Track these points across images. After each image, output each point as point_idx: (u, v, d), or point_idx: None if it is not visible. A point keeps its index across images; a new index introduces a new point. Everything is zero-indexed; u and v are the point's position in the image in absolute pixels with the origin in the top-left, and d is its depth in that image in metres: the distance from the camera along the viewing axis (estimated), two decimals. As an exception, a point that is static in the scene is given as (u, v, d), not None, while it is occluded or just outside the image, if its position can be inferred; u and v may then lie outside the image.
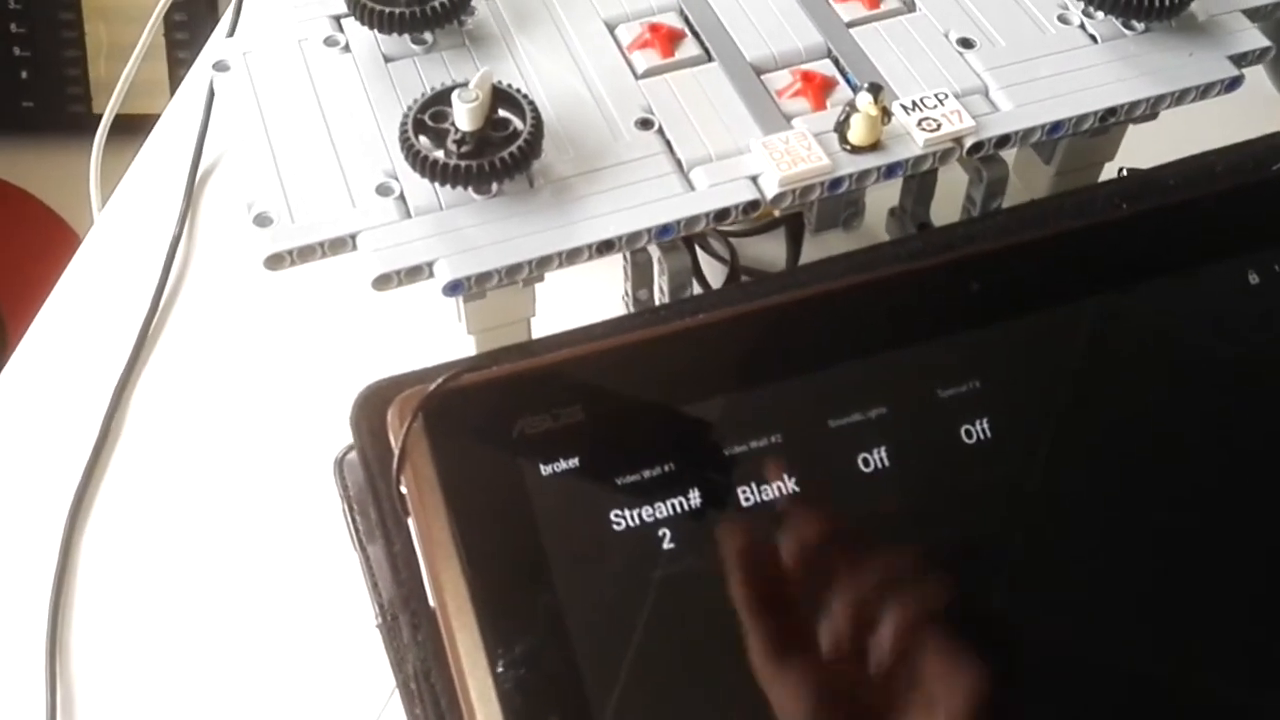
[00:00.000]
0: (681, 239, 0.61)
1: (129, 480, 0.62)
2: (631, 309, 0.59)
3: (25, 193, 1.39)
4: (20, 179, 1.40)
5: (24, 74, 1.39)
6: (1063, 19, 0.54)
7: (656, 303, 0.58)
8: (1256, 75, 0.64)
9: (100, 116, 1.37)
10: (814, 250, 0.61)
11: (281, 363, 0.65)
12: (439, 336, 0.53)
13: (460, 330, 0.52)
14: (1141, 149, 0.56)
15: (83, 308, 0.68)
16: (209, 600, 0.58)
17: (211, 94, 0.75)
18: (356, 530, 0.53)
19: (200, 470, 0.62)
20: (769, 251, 0.65)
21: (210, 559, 0.59)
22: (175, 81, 1.33)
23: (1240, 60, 0.52)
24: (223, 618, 0.58)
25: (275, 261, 0.47)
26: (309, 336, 0.66)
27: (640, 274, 0.58)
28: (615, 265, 0.58)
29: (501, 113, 0.48)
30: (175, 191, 0.71)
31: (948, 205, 0.60)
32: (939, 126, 0.49)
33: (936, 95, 0.50)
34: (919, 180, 0.60)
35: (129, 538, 0.60)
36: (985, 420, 0.45)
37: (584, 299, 0.56)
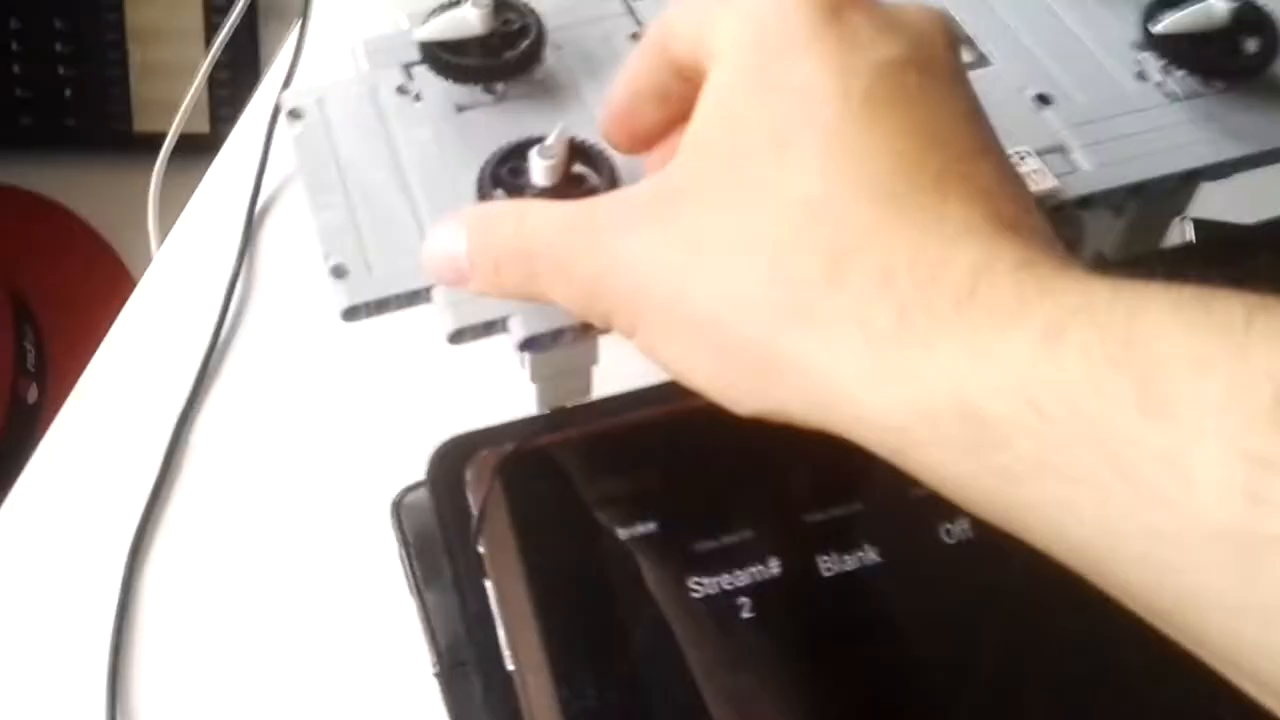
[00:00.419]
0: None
1: (189, 519, 0.62)
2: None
3: (66, 210, 1.40)
4: (62, 195, 1.41)
5: (68, 93, 1.39)
6: (1141, 76, 0.53)
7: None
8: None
9: (142, 135, 1.38)
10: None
11: (338, 401, 0.65)
12: (498, 375, 0.53)
13: (518, 368, 0.52)
14: (1208, 199, 0.55)
15: (142, 345, 0.68)
16: (267, 637, 0.58)
17: (270, 132, 0.74)
18: (414, 575, 0.53)
19: (258, 510, 0.62)
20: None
21: (268, 599, 0.59)
22: (214, 101, 1.33)
23: (1321, 123, 0.52)
24: (280, 656, 0.58)
25: (352, 314, 0.47)
26: (366, 375, 0.66)
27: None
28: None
29: (578, 168, 0.48)
30: (233, 229, 0.71)
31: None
32: (1020, 186, 0.48)
33: (1017, 153, 0.49)
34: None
35: (189, 576, 0.60)
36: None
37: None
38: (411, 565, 0.53)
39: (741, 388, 0.36)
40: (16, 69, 1.39)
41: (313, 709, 0.57)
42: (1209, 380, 0.28)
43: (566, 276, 0.39)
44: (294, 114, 0.52)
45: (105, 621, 0.58)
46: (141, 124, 1.41)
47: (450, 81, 0.53)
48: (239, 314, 0.68)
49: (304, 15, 0.79)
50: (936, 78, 0.37)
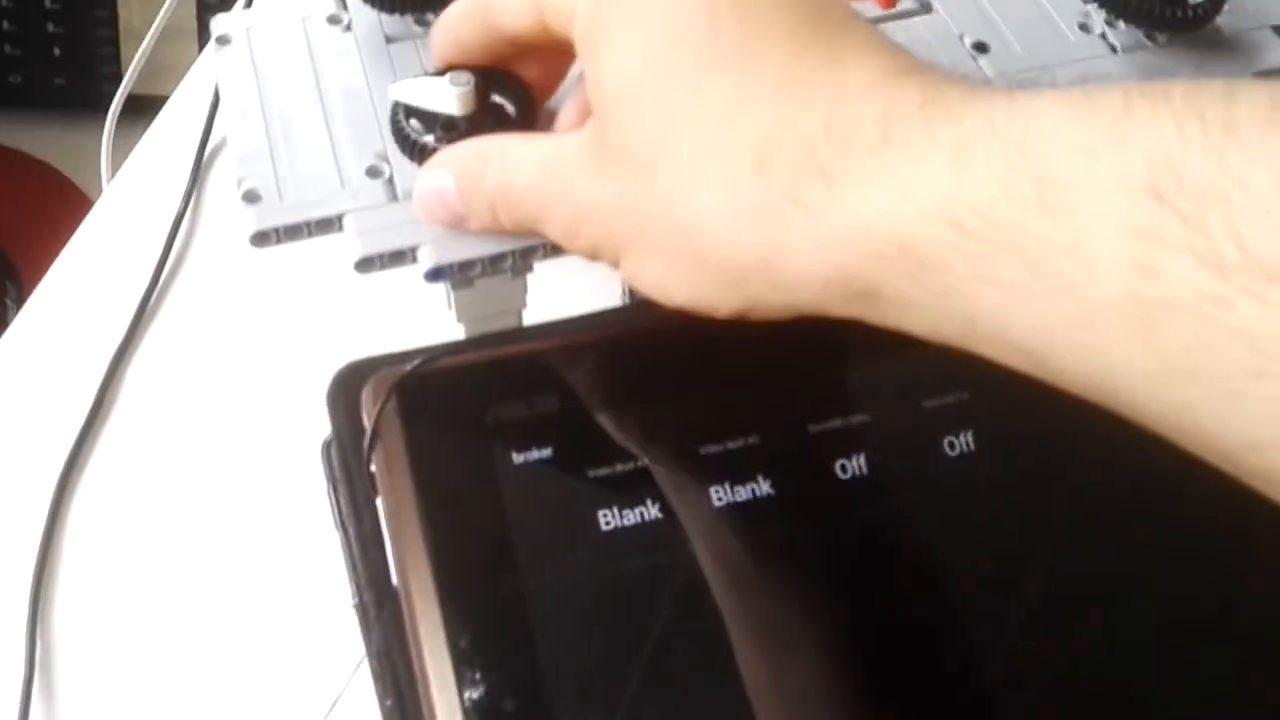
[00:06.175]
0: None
1: (118, 452, 0.62)
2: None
3: (51, 167, 1.39)
4: (46, 154, 1.40)
5: (56, 51, 1.39)
6: (1084, 27, 0.52)
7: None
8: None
9: (134, 97, 1.38)
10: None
11: (278, 344, 0.65)
12: (439, 324, 0.52)
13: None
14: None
15: (84, 281, 0.68)
16: (191, 573, 0.58)
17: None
18: (339, 510, 0.52)
19: (190, 445, 0.62)
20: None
21: (195, 535, 0.59)
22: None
23: (1266, 76, 0.51)
24: (204, 595, 0.57)
25: (261, 239, 0.46)
26: (309, 319, 0.65)
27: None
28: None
29: (495, 98, 0.47)
30: (183, 168, 0.71)
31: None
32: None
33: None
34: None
35: (115, 509, 0.60)
36: (970, 433, 0.44)
37: (585, 296, 0.55)
38: (337, 501, 0.53)
39: (717, 292, 0.39)
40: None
41: (237, 645, 0.56)
42: (1097, 167, 0.31)
43: (549, 217, 0.42)
44: (221, 40, 0.52)
45: (30, 545, 0.59)
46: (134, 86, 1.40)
47: (381, 12, 0.52)
48: (183, 252, 0.68)
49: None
50: None
